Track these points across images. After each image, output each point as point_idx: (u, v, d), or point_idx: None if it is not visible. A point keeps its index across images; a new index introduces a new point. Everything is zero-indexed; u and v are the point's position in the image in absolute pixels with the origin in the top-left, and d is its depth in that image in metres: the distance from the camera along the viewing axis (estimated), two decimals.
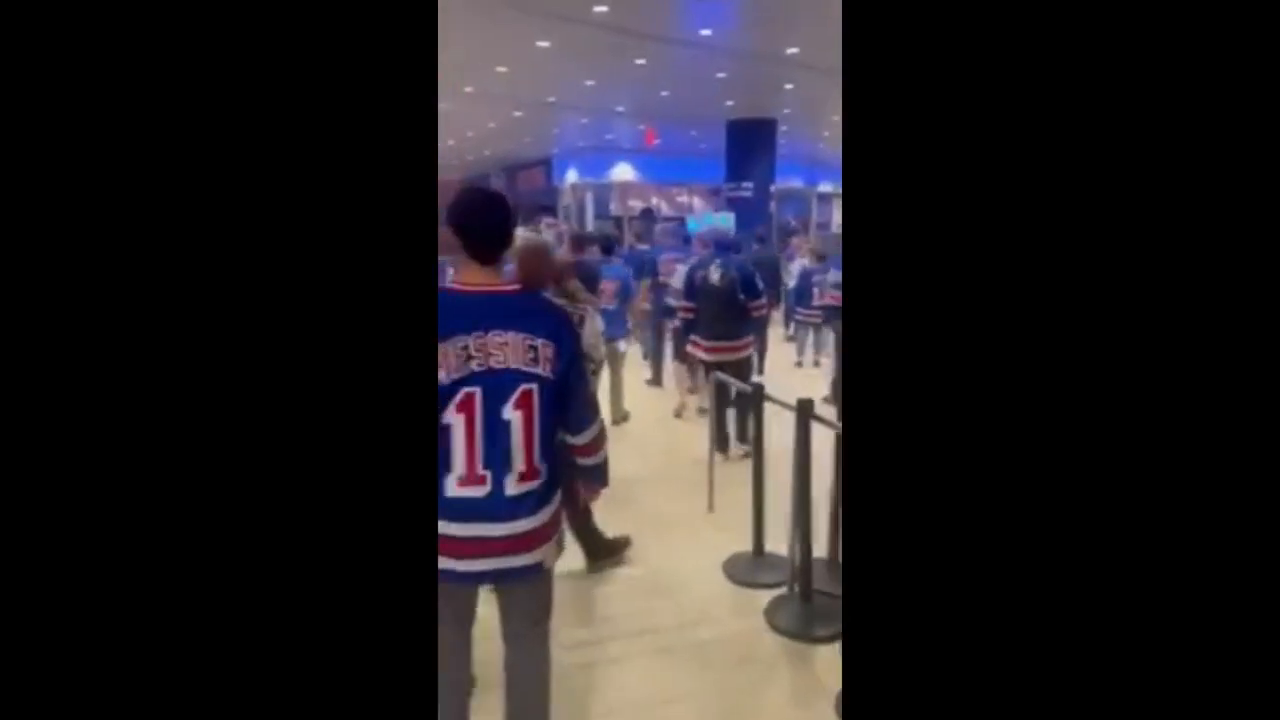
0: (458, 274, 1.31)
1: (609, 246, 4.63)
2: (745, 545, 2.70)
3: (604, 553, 2.61)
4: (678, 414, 4.58)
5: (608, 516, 2.63)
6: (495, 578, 1.29)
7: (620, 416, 4.46)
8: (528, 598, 1.37)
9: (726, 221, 10.04)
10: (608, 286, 4.05)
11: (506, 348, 1.22)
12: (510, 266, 1.62)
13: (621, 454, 2.80)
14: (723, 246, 3.97)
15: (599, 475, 1.46)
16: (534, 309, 1.29)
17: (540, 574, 1.33)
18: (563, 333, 1.29)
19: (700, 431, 3.56)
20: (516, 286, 1.33)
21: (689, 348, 3.92)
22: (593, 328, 2.86)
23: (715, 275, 3.69)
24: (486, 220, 1.28)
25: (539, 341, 1.24)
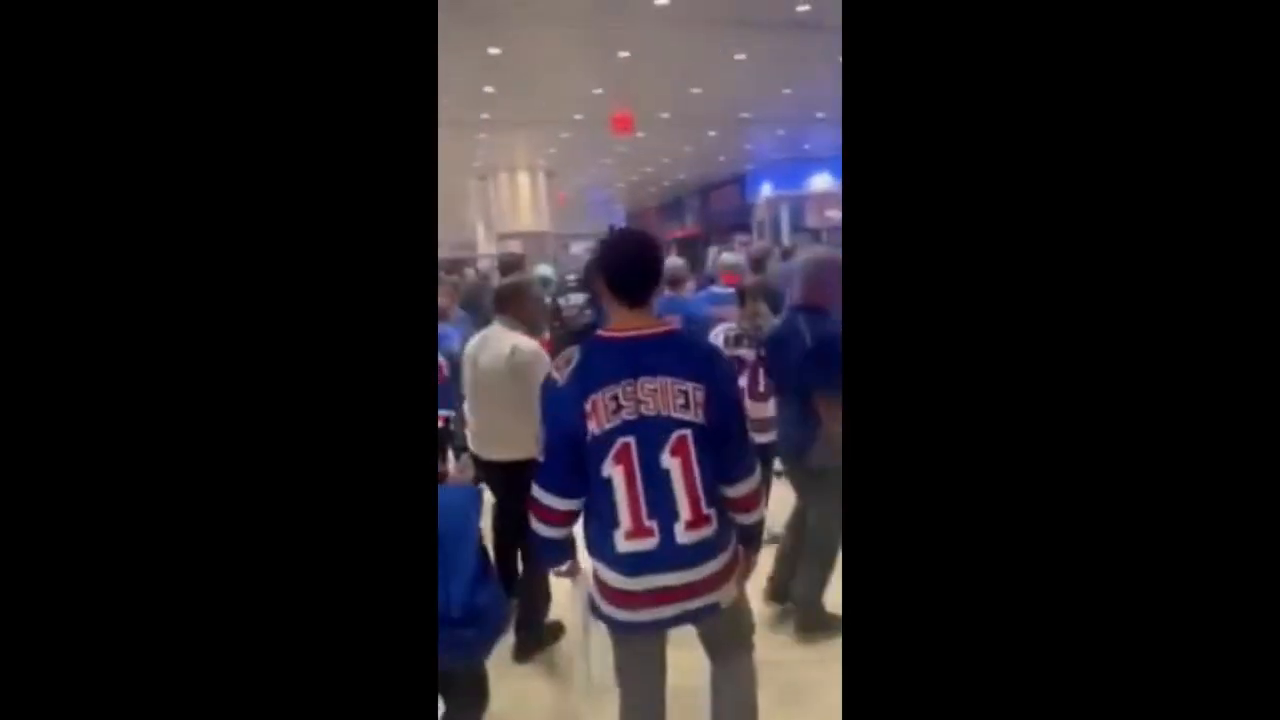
0: (607, 320, 1.26)
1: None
2: None
3: None
4: None
5: None
6: (676, 621, 1.25)
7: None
8: (723, 625, 1.31)
9: None
10: None
11: (657, 394, 1.17)
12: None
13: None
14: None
15: (755, 536, 1.37)
16: (683, 350, 1.23)
17: (718, 612, 1.27)
18: (713, 374, 1.22)
19: None
20: (667, 328, 1.26)
21: None
22: None
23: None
24: (632, 262, 1.23)
25: (689, 385, 1.18)
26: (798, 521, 2.36)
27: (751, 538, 1.35)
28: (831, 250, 2.23)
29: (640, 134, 9.09)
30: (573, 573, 1.33)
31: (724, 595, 1.25)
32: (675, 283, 3.13)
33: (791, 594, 2.30)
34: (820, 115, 10.10)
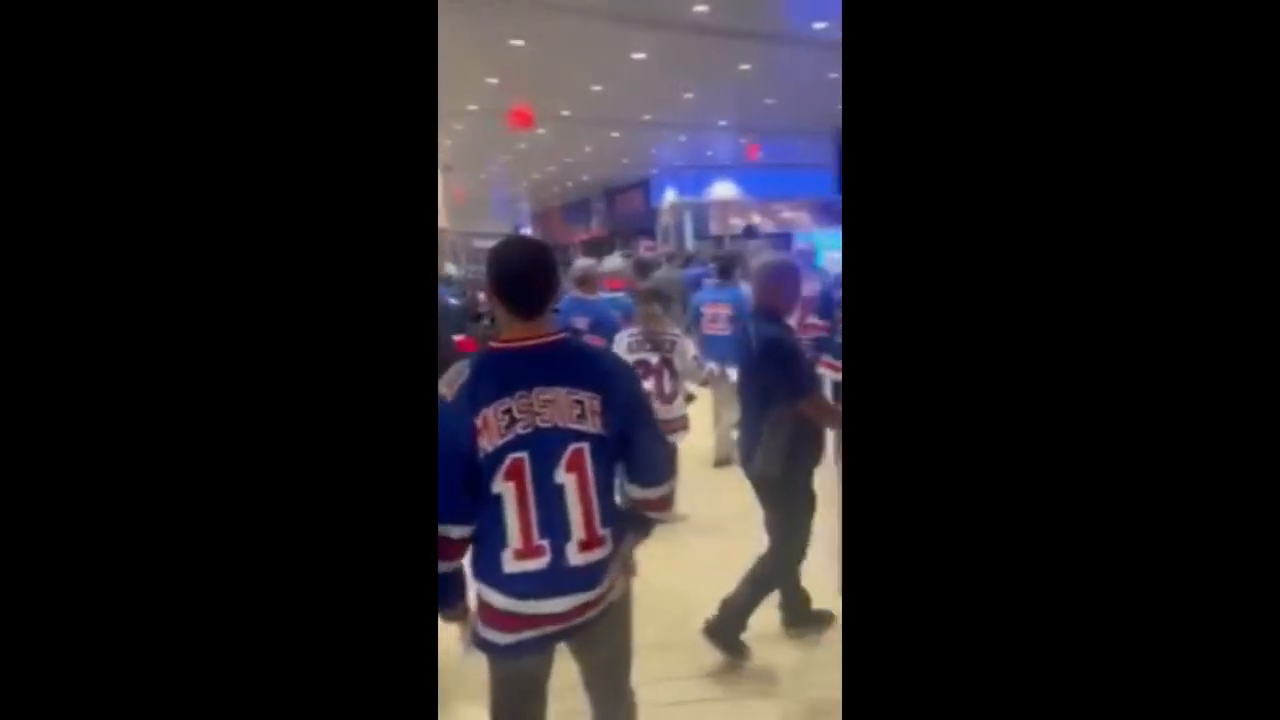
0: (499, 331, 1.20)
1: (726, 269, 4.22)
2: None
3: None
4: None
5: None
6: (558, 638, 1.19)
7: (723, 458, 3.87)
8: (602, 631, 1.23)
9: (837, 238, 9.29)
10: (721, 311, 3.71)
11: (551, 405, 1.12)
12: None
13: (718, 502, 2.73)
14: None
15: (648, 528, 1.32)
16: (578, 359, 1.19)
17: (606, 620, 1.21)
18: (611, 383, 1.17)
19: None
20: (560, 337, 1.20)
21: (820, 368, 3.50)
22: (685, 351, 2.79)
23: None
24: (523, 272, 1.17)
25: (584, 395, 1.14)
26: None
27: (644, 525, 1.29)
28: (783, 255, 2.30)
29: (540, 130, 8.73)
30: (459, 617, 1.21)
31: (613, 590, 1.20)
32: (583, 283, 3.15)
33: (723, 602, 2.15)
34: (722, 123, 10.14)
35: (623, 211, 16.56)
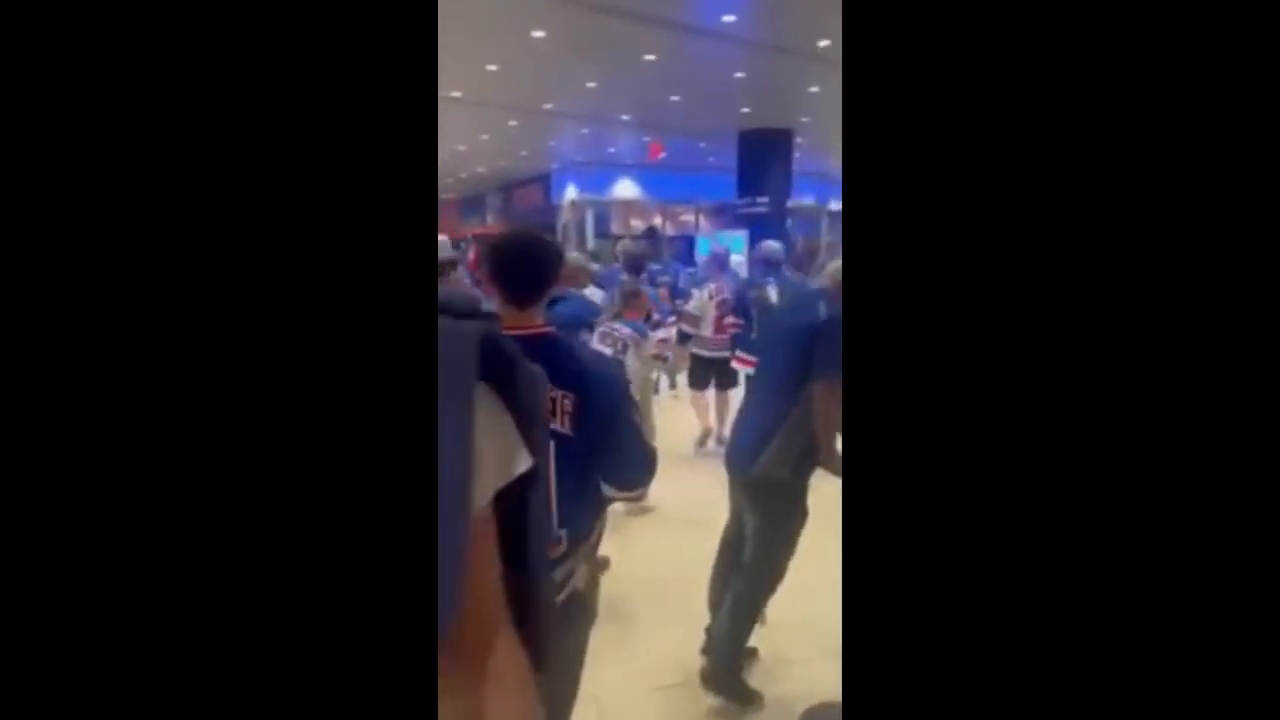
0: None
1: (638, 265, 4.27)
2: None
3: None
4: (702, 443, 4.28)
5: None
6: None
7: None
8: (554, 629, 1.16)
9: (739, 242, 9.24)
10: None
11: None
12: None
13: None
14: (771, 265, 3.96)
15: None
16: (558, 355, 1.15)
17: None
18: (588, 384, 1.13)
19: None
20: (545, 330, 1.19)
21: (734, 362, 3.88)
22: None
23: (773, 294, 3.67)
24: (518, 261, 1.19)
25: (558, 393, 1.12)
26: (735, 546, 2.01)
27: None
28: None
29: None
30: None
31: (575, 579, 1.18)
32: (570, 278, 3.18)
33: (708, 639, 1.98)
34: (625, 118, 9.80)
35: (520, 207, 15.89)
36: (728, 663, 1.89)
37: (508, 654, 0.61)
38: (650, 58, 6.69)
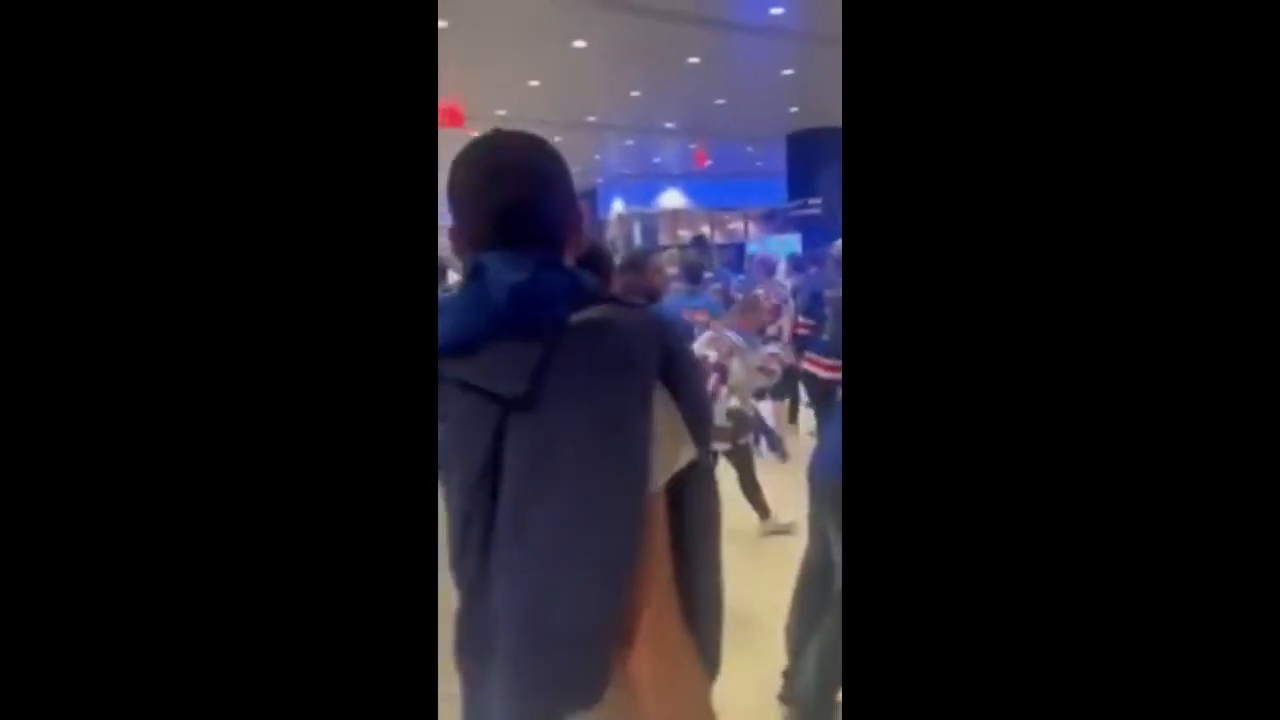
0: None
1: (695, 275, 4.06)
2: None
3: None
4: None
5: None
6: None
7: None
8: None
9: (791, 245, 8.97)
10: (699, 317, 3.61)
11: None
12: None
13: None
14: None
15: None
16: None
17: None
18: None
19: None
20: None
21: (806, 365, 3.62)
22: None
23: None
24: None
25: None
26: (821, 574, 1.76)
27: None
28: None
29: (474, 132, 8.05)
30: None
31: None
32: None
33: (787, 685, 1.74)
34: (669, 125, 9.66)
35: None
36: (820, 707, 1.63)
37: (678, 646, 0.62)
38: (694, 60, 6.53)
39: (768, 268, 4.86)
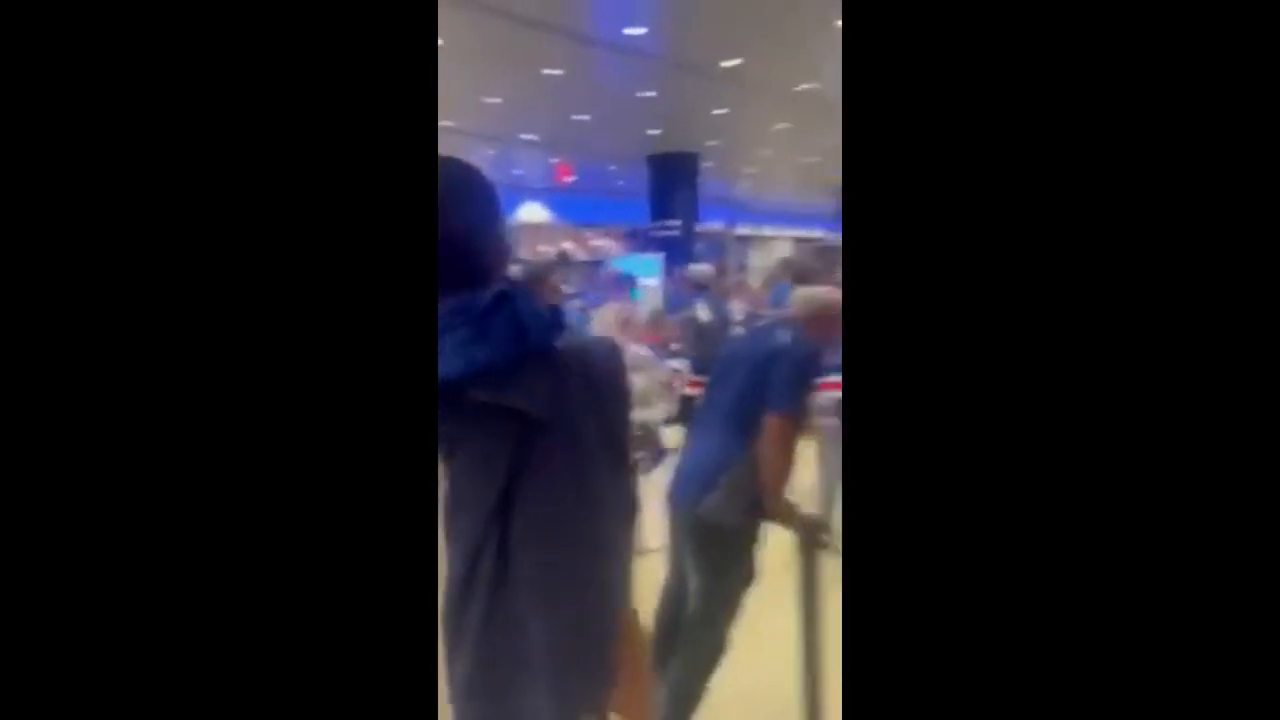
0: None
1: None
2: None
3: None
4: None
5: None
6: None
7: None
8: None
9: (654, 265, 9.11)
10: None
11: None
12: None
13: None
14: (700, 287, 4.12)
15: None
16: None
17: None
18: None
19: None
20: None
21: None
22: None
23: (703, 314, 3.79)
24: None
25: None
26: (677, 601, 1.76)
27: None
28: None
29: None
30: None
31: None
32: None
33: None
34: (529, 137, 9.47)
35: None
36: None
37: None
38: (556, 72, 6.42)
39: (620, 285, 4.81)
